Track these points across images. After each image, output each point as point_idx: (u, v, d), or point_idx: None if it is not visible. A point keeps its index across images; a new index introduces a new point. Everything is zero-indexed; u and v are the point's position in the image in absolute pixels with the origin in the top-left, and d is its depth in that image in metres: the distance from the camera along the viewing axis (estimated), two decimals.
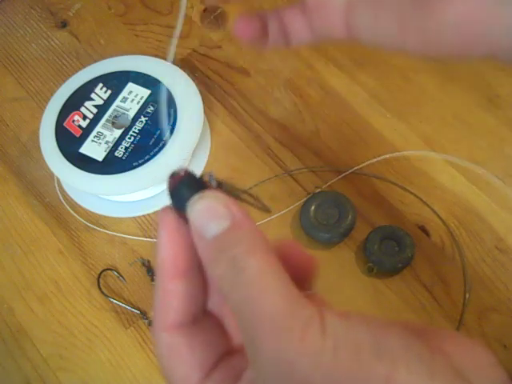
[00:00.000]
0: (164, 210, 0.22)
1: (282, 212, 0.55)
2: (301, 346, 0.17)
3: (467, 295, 0.50)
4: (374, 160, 0.56)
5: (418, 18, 0.21)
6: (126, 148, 0.55)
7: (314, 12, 0.25)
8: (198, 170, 0.59)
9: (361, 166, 0.56)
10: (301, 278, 0.20)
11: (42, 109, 0.59)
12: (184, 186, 0.20)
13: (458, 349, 0.19)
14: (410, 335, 0.18)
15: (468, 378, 0.18)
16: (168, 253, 0.22)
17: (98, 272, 0.55)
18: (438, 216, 0.54)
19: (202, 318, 0.21)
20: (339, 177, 0.56)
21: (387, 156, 0.56)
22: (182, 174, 0.20)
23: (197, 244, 0.20)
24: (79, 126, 0.57)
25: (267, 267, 0.18)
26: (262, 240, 0.19)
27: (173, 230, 0.22)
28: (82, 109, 0.57)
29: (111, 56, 0.62)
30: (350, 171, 0.56)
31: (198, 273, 0.21)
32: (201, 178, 0.20)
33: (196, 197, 0.20)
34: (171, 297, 0.21)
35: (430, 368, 0.17)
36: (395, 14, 0.22)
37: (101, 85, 0.59)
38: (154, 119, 0.57)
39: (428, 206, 0.54)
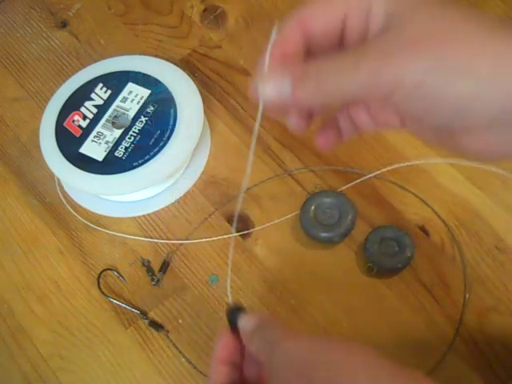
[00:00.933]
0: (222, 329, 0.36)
1: (283, 218, 0.55)
2: (293, 342, 0.31)
3: (467, 295, 0.50)
4: (379, 171, 0.56)
5: (448, 143, 0.28)
6: (126, 148, 0.55)
7: (376, 112, 0.30)
8: (198, 169, 0.59)
9: (368, 176, 0.56)
10: None
11: (42, 109, 0.59)
12: (236, 312, 0.35)
13: None
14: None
15: None
16: (223, 347, 0.35)
17: (98, 272, 0.55)
18: (438, 216, 0.54)
19: None
20: (351, 184, 0.56)
21: (396, 166, 0.56)
22: (233, 306, 0.35)
23: (244, 339, 0.34)
24: (79, 126, 0.57)
25: (286, 334, 0.32)
26: (273, 324, 0.33)
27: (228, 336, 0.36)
28: (82, 109, 0.57)
29: (111, 56, 0.62)
30: (350, 171, 0.56)
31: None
32: (241, 307, 0.36)
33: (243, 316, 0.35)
34: (218, 373, 0.35)
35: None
36: (433, 133, 0.29)
37: (101, 85, 0.59)
38: (154, 119, 0.57)
39: (428, 205, 0.54)
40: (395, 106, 0.26)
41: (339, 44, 0.29)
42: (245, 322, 0.34)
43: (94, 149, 0.55)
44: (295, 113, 0.30)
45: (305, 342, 0.31)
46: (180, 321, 0.52)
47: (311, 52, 0.29)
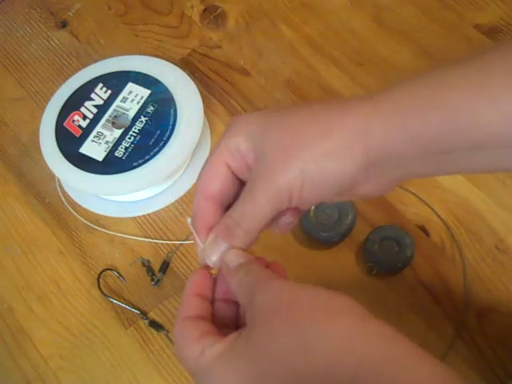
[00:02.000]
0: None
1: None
2: (280, 281, 0.31)
3: (467, 295, 0.50)
4: None
5: (346, 197, 0.35)
6: (126, 148, 0.55)
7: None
8: (198, 169, 0.59)
9: None
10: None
11: (42, 109, 0.59)
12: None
13: None
14: None
15: None
16: (197, 281, 0.36)
17: (98, 272, 0.55)
18: (438, 216, 0.54)
19: (206, 319, 0.34)
20: None
21: None
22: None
23: (226, 273, 0.34)
24: (79, 126, 0.57)
25: (260, 267, 0.33)
26: (257, 262, 0.34)
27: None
28: (82, 109, 0.57)
29: (111, 56, 0.62)
30: None
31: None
32: None
33: (232, 250, 0.35)
34: (185, 303, 0.35)
35: None
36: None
37: (101, 85, 0.59)
38: (153, 119, 0.57)
39: (428, 205, 0.54)
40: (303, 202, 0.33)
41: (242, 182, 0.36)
42: (232, 257, 0.34)
43: (93, 149, 0.55)
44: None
45: (290, 284, 0.31)
46: None
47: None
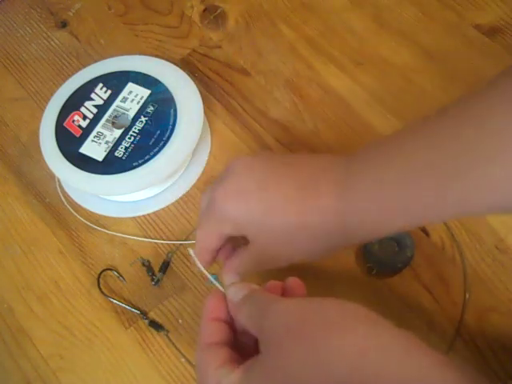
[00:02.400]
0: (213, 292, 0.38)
1: None
2: (286, 302, 0.32)
3: (467, 295, 0.50)
4: None
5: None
6: (126, 148, 0.55)
7: None
8: (198, 169, 0.59)
9: None
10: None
11: (42, 109, 0.59)
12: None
13: None
14: None
15: None
16: (212, 306, 0.37)
17: (98, 272, 0.55)
18: None
19: (227, 343, 0.35)
20: None
21: None
22: None
23: (232, 310, 0.35)
24: (79, 126, 0.57)
25: (264, 293, 0.35)
26: (260, 290, 0.35)
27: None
28: (82, 109, 0.57)
29: (111, 56, 0.62)
30: None
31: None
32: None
33: (232, 285, 0.37)
34: (205, 329, 0.36)
35: None
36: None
37: (101, 85, 0.59)
38: (153, 119, 0.57)
39: None
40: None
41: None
42: (234, 292, 0.34)
43: (93, 149, 0.55)
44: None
45: (296, 302, 0.31)
46: (180, 321, 0.52)
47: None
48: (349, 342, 0.27)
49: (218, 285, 0.38)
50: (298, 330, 0.28)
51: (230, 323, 0.36)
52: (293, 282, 0.37)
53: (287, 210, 0.35)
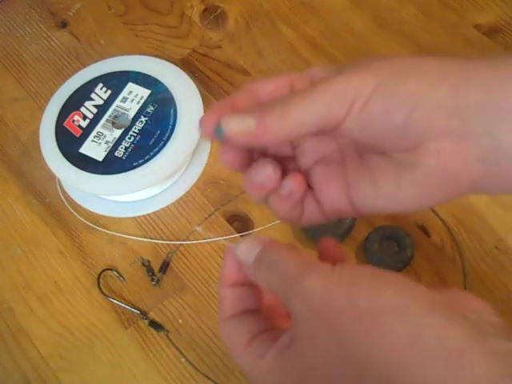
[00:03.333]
0: (229, 247, 0.29)
1: None
2: (315, 279, 0.25)
3: None
4: None
5: (409, 175, 0.26)
6: (126, 148, 0.55)
7: (321, 197, 0.30)
8: (198, 169, 0.59)
9: None
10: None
11: (42, 109, 0.59)
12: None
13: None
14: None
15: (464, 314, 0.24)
16: (227, 271, 0.30)
17: (98, 272, 0.55)
18: (438, 216, 0.54)
19: (252, 311, 0.29)
20: None
21: None
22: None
23: (249, 274, 0.28)
24: (79, 126, 0.57)
25: (283, 253, 0.27)
26: (277, 245, 0.28)
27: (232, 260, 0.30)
28: (82, 109, 0.57)
29: (111, 56, 0.62)
30: None
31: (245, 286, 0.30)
32: None
33: (240, 245, 0.29)
34: (224, 299, 0.29)
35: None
36: (390, 178, 0.27)
37: (101, 85, 0.59)
38: (153, 119, 0.57)
39: None
40: (346, 133, 0.27)
41: None
42: (244, 252, 0.28)
43: (93, 149, 0.55)
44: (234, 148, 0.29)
45: (332, 281, 0.24)
46: (180, 321, 0.52)
47: None
48: (395, 338, 0.22)
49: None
50: (332, 319, 0.23)
51: (254, 286, 0.29)
52: (327, 242, 0.31)
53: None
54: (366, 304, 0.23)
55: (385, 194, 0.27)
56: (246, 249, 0.28)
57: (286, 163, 0.31)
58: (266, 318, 0.29)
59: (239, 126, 0.26)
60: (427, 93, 0.25)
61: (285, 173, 0.29)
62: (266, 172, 0.28)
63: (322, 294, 0.24)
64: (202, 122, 0.28)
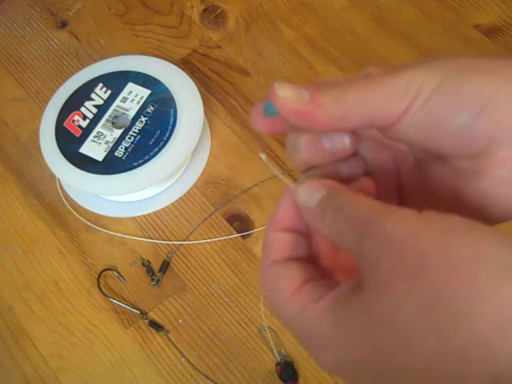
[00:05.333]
0: (289, 189, 0.26)
1: None
2: (397, 221, 0.21)
3: None
4: None
5: (472, 186, 0.23)
6: (126, 148, 0.55)
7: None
8: (198, 169, 0.59)
9: None
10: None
11: (42, 109, 0.59)
12: None
13: None
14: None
15: None
16: (281, 214, 0.26)
17: (98, 272, 0.55)
18: None
19: (304, 260, 0.26)
20: None
21: None
22: None
23: (310, 221, 0.25)
24: (79, 126, 0.57)
25: (353, 196, 0.23)
26: (345, 189, 0.24)
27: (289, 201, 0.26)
28: (82, 109, 0.57)
29: (111, 56, 0.62)
30: None
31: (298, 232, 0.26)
32: None
33: (301, 187, 0.25)
34: (272, 242, 0.26)
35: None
36: (449, 189, 0.24)
37: (101, 85, 0.59)
38: (153, 119, 0.57)
39: None
40: (402, 135, 0.24)
41: None
42: (306, 195, 0.24)
43: (94, 149, 0.55)
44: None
45: (420, 224, 0.21)
46: (180, 321, 0.52)
47: None
48: (504, 292, 0.19)
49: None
50: (418, 268, 0.20)
51: (307, 235, 0.26)
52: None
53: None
54: (465, 254, 0.20)
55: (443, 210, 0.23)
56: (308, 191, 0.24)
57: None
58: (319, 268, 0.25)
59: (293, 95, 0.24)
60: (499, 92, 0.22)
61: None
62: (345, 141, 0.26)
63: (407, 237, 0.20)
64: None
